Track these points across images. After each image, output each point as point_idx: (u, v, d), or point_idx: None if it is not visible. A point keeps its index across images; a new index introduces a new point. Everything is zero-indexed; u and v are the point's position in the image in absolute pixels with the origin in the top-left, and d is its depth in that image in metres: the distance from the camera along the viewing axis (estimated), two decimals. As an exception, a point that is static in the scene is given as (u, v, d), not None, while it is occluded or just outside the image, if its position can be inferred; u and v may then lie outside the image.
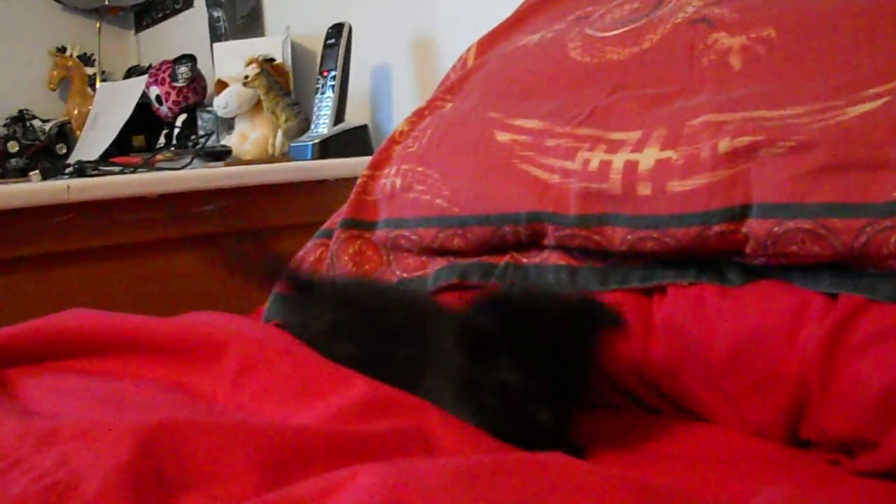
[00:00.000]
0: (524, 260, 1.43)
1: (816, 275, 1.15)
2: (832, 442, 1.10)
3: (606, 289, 1.32)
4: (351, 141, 2.63)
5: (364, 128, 2.73)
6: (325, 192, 2.37)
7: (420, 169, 1.58)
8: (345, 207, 1.68)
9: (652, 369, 1.26)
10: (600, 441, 1.17)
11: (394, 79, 2.84)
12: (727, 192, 1.19)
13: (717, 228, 1.18)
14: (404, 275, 1.54)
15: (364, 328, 1.29)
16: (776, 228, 1.12)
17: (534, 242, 1.41)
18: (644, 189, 1.26)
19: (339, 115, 2.68)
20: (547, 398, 1.09)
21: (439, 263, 1.50)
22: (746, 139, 1.19)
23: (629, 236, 1.27)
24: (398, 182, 1.58)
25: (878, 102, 1.14)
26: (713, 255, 1.23)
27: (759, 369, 1.15)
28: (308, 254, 1.68)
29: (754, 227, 1.16)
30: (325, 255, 1.63)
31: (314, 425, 1.08)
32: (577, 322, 1.11)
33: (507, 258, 1.44)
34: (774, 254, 1.15)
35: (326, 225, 1.71)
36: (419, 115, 1.76)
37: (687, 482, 1.01)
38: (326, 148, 2.59)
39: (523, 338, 1.08)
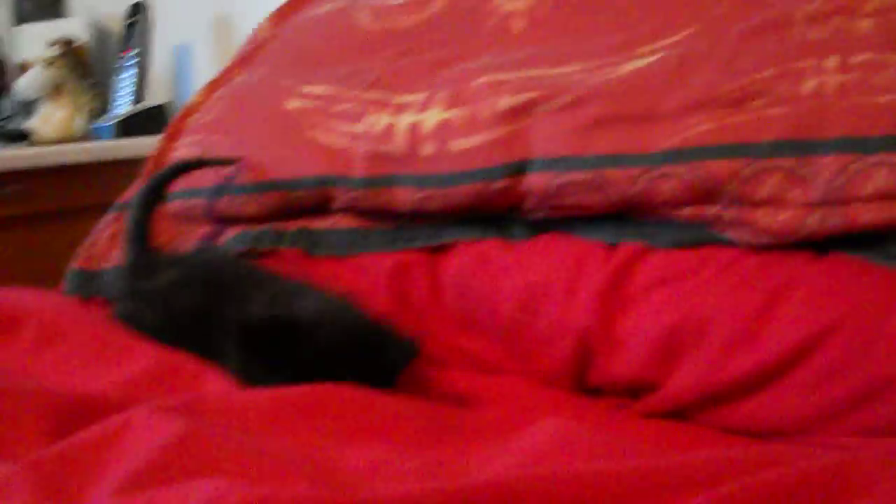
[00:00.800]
0: (316, 224, 1.42)
1: (599, 226, 1.20)
2: (617, 386, 1.14)
3: (395, 248, 1.33)
4: (152, 120, 2.55)
5: (165, 106, 2.68)
6: (126, 171, 2.29)
7: (213, 138, 1.55)
8: (139, 181, 1.63)
9: (444, 325, 1.29)
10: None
11: (195, 58, 2.82)
12: (507, 148, 1.22)
13: (498, 184, 1.22)
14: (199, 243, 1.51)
15: (205, 284, 1.24)
16: (555, 181, 1.17)
17: (325, 206, 1.41)
18: (428, 149, 1.28)
19: (139, 95, 2.62)
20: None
21: (234, 231, 1.47)
22: (525, 96, 1.23)
23: (415, 196, 1.29)
24: (192, 153, 1.55)
25: (651, 59, 1.20)
26: (498, 213, 1.27)
27: (543, 322, 1.19)
28: (104, 229, 1.62)
29: (534, 181, 1.20)
30: (119, 229, 1.57)
31: (100, 391, 1.06)
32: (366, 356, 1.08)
33: (299, 223, 1.43)
34: (553, 206, 1.19)
35: (121, 199, 1.64)
36: (213, 86, 1.72)
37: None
38: (127, 127, 2.54)
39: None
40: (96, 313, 1.40)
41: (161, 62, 2.82)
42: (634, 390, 1.12)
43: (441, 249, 1.32)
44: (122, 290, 1.37)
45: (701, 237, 1.13)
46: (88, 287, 1.54)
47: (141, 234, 1.40)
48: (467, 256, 1.27)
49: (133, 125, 2.54)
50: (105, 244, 1.56)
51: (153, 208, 1.44)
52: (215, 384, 1.09)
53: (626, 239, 1.17)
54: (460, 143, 1.24)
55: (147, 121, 2.54)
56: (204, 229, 1.50)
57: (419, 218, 1.32)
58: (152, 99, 2.70)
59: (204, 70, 2.69)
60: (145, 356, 1.15)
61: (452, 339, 1.26)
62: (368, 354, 1.06)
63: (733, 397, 1.03)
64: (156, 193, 1.46)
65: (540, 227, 1.25)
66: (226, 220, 1.47)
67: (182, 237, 1.51)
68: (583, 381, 1.16)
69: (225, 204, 1.45)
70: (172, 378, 1.10)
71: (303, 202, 1.41)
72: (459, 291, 1.26)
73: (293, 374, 1.01)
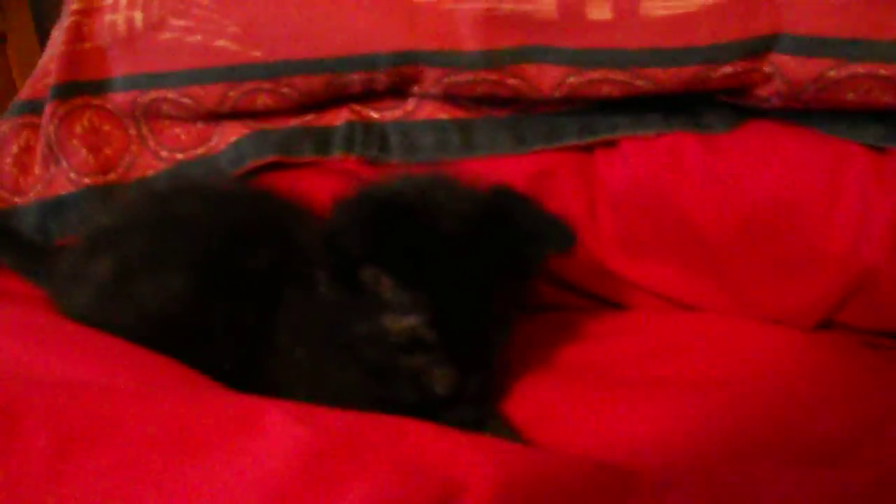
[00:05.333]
0: (374, 115, 0.98)
1: (854, 121, 0.88)
2: (883, 331, 0.88)
3: (524, 149, 0.94)
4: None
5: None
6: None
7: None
8: (50, 65, 1.06)
9: (607, 252, 0.94)
10: (570, 354, 0.84)
11: None
12: (745, 17, 0.84)
13: (728, 68, 0.85)
14: (176, 155, 1.01)
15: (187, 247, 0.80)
16: (832, 72, 0.82)
17: (387, 90, 0.98)
18: (599, 12, 0.86)
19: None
20: (449, 354, 0.72)
21: (232, 131, 0.99)
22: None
23: (571, 78, 0.88)
24: (138, 17, 1.00)
25: None
26: (684, 94, 0.90)
27: (782, 247, 0.89)
28: (6, 142, 1.06)
29: (787, 65, 0.83)
30: (35, 141, 1.04)
31: None
32: (502, 239, 0.73)
33: (344, 114, 0.98)
34: (813, 100, 0.86)
35: (25, 94, 1.06)
36: None
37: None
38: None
39: (415, 261, 0.70)
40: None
41: None
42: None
43: (590, 149, 0.95)
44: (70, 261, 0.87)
45: None
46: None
47: None
48: (649, 158, 0.91)
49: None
50: (12, 167, 1.03)
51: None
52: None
53: None
54: (662, 6, 0.85)
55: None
56: (181, 129, 1.02)
57: (551, 104, 0.94)
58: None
59: None
60: (286, 432, 0.58)
61: (626, 269, 0.93)
62: (510, 241, 0.74)
63: None
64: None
65: (742, 111, 0.91)
66: (216, 116, 1.00)
67: (140, 149, 1.03)
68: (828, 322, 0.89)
69: (217, 95, 0.97)
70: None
71: (361, 86, 0.96)
72: (638, 206, 0.91)
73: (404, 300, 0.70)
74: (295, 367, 0.76)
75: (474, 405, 0.74)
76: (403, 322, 0.70)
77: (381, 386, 0.73)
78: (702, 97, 0.90)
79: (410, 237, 0.69)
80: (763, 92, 0.86)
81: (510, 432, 0.72)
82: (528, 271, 0.77)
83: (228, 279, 0.78)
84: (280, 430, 0.56)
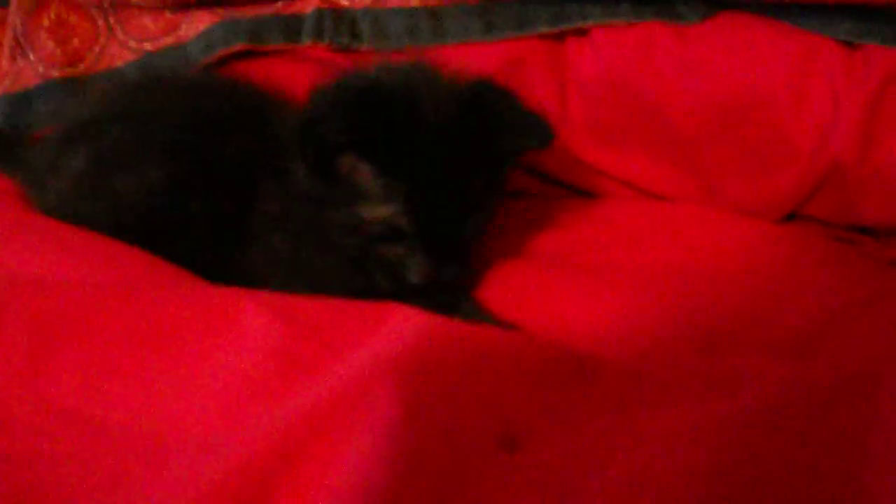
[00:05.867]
0: (344, 2, 0.96)
1: (826, 16, 0.88)
2: (851, 225, 0.90)
3: (494, 36, 0.93)
4: None
5: None
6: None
7: None
8: None
9: (577, 141, 0.94)
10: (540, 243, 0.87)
11: None
12: None
13: None
14: (144, 45, 0.99)
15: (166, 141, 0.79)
16: None
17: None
18: None
19: None
20: (424, 244, 0.73)
21: (202, 20, 0.98)
22: None
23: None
24: None
25: None
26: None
27: (751, 138, 0.89)
28: None
29: None
30: (2, 35, 1.00)
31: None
32: (481, 131, 0.73)
33: (314, 1, 0.96)
34: None
35: None
36: None
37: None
38: None
39: (393, 149, 0.70)
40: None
41: None
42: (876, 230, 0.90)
43: (561, 37, 0.94)
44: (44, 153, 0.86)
45: None
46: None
47: None
48: (620, 47, 0.90)
49: None
50: None
51: None
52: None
53: (869, 39, 0.86)
54: None
55: None
56: (149, 18, 1.00)
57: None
58: None
59: None
60: (260, 325, 0.60)
61: (596, 158, 0.94)
62: (489, 134, 0.73)
63: None
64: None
65: (714, 2, 0.91)
66: (183, 4, 0.98)
67: (108, 40, 1.01)
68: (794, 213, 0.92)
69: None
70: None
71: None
72: (610, 96, 0.91)
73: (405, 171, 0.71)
74: (272, 256, 0.78)
75: (450, 292, 0.76)
76: (379, 211, 0.71)
77: (358, 274, 0.75)
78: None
79: (389, 125, 0.69)
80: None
81: (484, 316, 0.74)
82: (505, 164, 0.78)
83: (204, 169, 0.78)
84: (253, 322, 0.58)
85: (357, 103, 0.70)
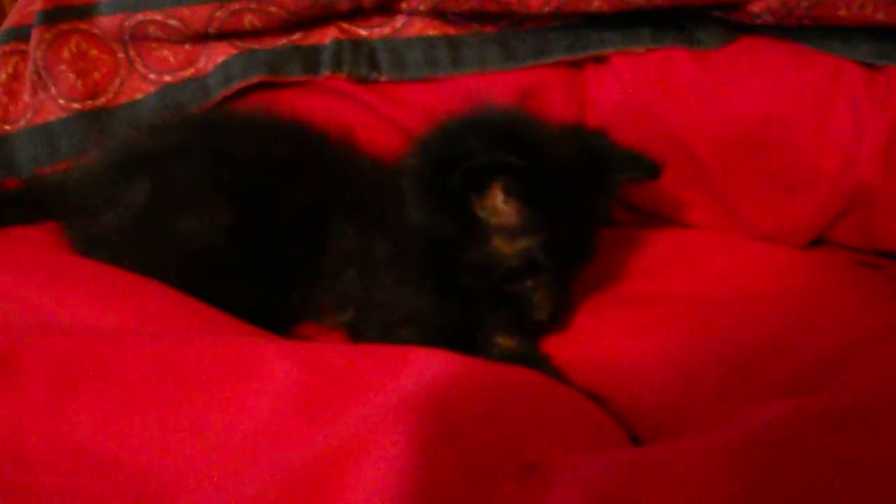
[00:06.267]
0: (363, 32, 0.97)
1: (847, 38, 0.87)
2: (877, 249, 0.90)
3: (513, 64, 0.93)
4: None
5: None
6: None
7: None
8: None
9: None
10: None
11: None
12: None
13: None
14: (165, 77, 0.99)
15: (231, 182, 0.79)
16: None
17: (378, 7, 0.96)
18: None
19: None
20: (554, 277, 0.74)
21: (220, 52, 0.98)
22: None
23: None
24: None
25: None
26: (674, 8, 0.89)
27: (774, 163, 0.89)
28: None
29: None
30: (24, 68, 1.01)
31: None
32: (594, 166, 0.76)
33: (332, 32, 0.97)
34: (805, 16, 0.84)
35: (12, 21, 1.03)
36: None
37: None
38: None
39: (537, 183, 0.70)
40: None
41: None
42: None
43: (579, 64, 0.94)
44: (83, 192, 0.83)
45: None
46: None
47: None
48: (641, 74, 0.90)
49: None
50: (1, 95, 1.00)
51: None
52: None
53: (891, 61, 0.86)
54: None
55: None
56: (169, 51, 1.00)
57: (537, 19, 0.92)
58: None
59: None
60: (281, 370, 0.59)
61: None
62: (601, 166, 0.77)
63: None
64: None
65: (733, 26, 0.90)
66: (202, 38, 0.99)
67: (128, 72, 1.01)
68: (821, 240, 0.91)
69: (204, 17, 0.94)
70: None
71: (341, 3, 0.94)
72: (631, 122, 0.90)
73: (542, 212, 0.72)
74: (343, 292, 0.78)
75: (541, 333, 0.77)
76: (518, 244, 0.72)
77: (471, 312, 0.75)
78: (693, 13, 0.89)
79: (532, 160, 0.69)
80: (755, 8, 0.85)
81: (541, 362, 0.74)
82: (609, 197, 0.81)
83: (273, 212, 0.78)
84: (274, 367, 0.58)
85: (499, 140, 0.71)
